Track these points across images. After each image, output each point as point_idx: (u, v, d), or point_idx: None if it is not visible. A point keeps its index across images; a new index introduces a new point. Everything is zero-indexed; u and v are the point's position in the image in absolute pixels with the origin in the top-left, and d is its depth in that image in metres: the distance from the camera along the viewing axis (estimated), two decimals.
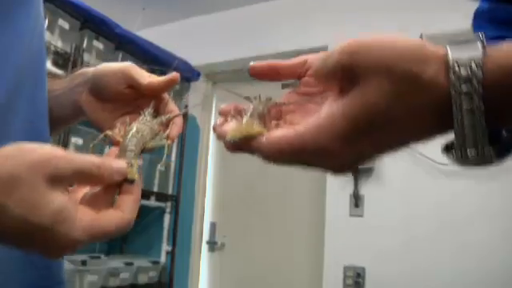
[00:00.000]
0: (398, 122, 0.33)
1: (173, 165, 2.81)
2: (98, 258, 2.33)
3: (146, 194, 2.57)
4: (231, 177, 2.93)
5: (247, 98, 0.46)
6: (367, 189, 2.31)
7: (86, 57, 2.25)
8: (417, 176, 2.17)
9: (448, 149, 0.34)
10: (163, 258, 2.78)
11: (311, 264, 2.51)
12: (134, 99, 0.58)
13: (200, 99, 2.85)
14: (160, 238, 2.81)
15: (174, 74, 0.56)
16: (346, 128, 0.33)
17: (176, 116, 0.56)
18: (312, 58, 0.48)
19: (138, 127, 0.50)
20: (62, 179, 0.38)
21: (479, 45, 0.32)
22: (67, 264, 2.09)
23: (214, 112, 3.01)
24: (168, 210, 2.80)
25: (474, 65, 0.31)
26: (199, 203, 2.92)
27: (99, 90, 0.58)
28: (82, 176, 0.40)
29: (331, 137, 0.33)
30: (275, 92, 0.49)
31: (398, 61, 0.31)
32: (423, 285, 2.06)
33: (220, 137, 0.43)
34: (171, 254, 2.80)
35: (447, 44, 0.33)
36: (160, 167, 2.49)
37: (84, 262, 2.19)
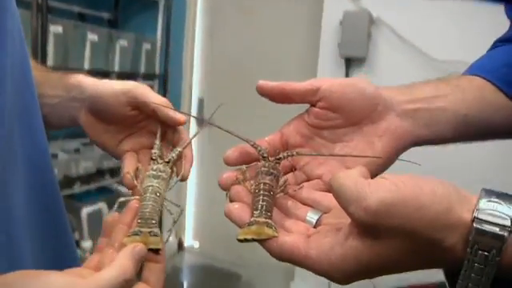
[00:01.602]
0: (407, 266, 0.35)
1: (159, 43, 2.69)
2: (91, 144, 2.39)
3: (132, 76, 2.51)
4: (219, 53, 2.84)
5: (251, 144, 0.47)
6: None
7: None
8: (410, 69, 2.13)
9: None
10: None
11: None
12: (140, 121, 0.55)
13: None
14: None
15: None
16: (357, 271, 0.35)
17: (187, 146, 0.54)
18: (325, 87, 0.47)
19: (155, 186, 0.49)
20: None
21: (505, 233, 0.31)
22: (62, 154, 2.15)
23: None
24: (156, 88, 2.78)
25: (492, 252, 0.31)
26: (187, 81, 2.88)
27: (99, 112, 0.54)
28: None
29: (340, 273, 0.35)
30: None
31: (421, 228, 0.31)
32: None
33: (224, 188, 0.46)
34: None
35: (478, 207, 0.31)
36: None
37: (77, 150, 2.26)
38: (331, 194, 0.44)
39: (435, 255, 0.33)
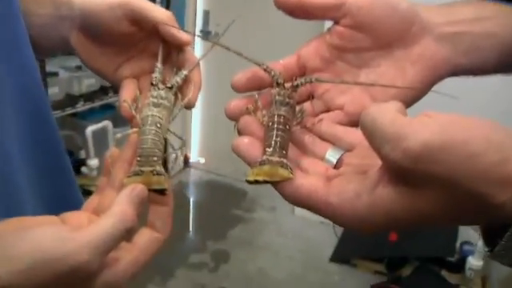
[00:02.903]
0: (442, 221, 0.31)
1: None
2: None
3: None
4: None
5: (263, 68, 0.41)
6: None
7: None
8: None
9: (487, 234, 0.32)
10: None
11: None
12: (139, 40, 0.48)
13: None
14: None
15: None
16: (385, 223, 0.31)
17: (194, 68, 0.47)
18: (352, 1, 0.40)
19: (155, 116, 0.43)
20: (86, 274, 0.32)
21: None
22: (63, 72, 2.10)
23: None
24: (158, 0, 2.64)
25: None
26: None
27: (92, 29, 0.47)
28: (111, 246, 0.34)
29: (365, 224, 0.32)
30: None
31: (469, 180, 0.26)
32: None
33: (232, 118, 0.41)
34: None
35: None
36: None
37: (79, 67, 2.19)
38: (354, 129, 0.39)
39: (479, 212, 0.28)
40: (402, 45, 0.41)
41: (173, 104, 0.45)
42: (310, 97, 0.44)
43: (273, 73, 0.40)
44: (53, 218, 0.36)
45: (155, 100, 0.44)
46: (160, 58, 0.47)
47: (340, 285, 2.14)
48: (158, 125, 0.42)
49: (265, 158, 0.35)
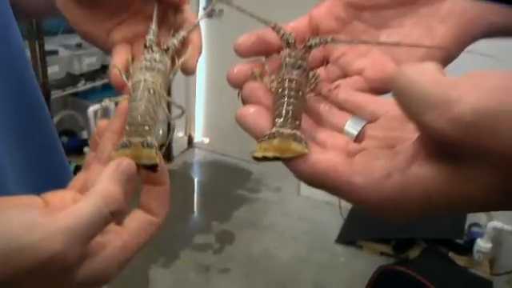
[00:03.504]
0: (491, 207, 0.26)
1: None
2: None
3: None
4: None
5: (271, 26, 0.36)
6: None
7: None
8: None
9: None
10: None
11: None
12: (132, 1, 0.44)
13: None
14: None
15: None
16: (420, 209, 0.26)
17: (193, 29, 0.42)
18: None
19: (148, 80, 0.38)
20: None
21: None
22: (63, 51, 2.05)
23: None
24: None
25: None
26: None
27: None
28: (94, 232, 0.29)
29: (397, 210, 0.27)
30: None
31: None
32: None
33: (235, 85, 0.36)
34: None
35: None
36: None
37: (79, 45, 2.15)
38: (377, 97, 0.34)
39: None
40: (427, 0, 0.36)
41: (169, 69, 0.40)
42: (324, 62, 0.39)
43: (282, 32, 0.36)
44: (33, 198, 0.31)
45: (148, 63, 0.39)
46: (155, 18, 0.42)
47: (346, 266, 2.12)
48: (151, 90, 0.37)
49: (275, 130, 0.31)
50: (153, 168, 0.35)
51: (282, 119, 0.31)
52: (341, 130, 0.33)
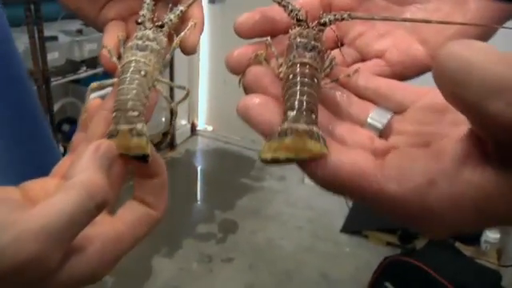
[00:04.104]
0: None
1: None
2: None
3: None
4: None
5: (277, 1, 0.31)
6: None
7: None
8: None
9: None
10: None
11: None
12: None
13: None
14: None
15: None
16: (473, 219, 0.21)
17: (193, 3, 0.38)
18: None
19: (139, 61, 0.33)
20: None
21: None
22: (63, 37, 2.00)
23: None
24: None
25: None
26: None
27: None
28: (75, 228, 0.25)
29: (443, 222, 0.22)
30: None
31: None
32: None
33: (236, 71, 0.32)
34: None
35: None
36: None
37: (80, 31, 2.10)
38: (403, 84, 0.29)
39: None
40: None
41: (164, 47, 0.36)
42: (339, 43, 0.34)
43: (291, 7, 0.31)
44: (7, 189, 0.27)
45: (140, 42, 0.35)
46: None
47: (351, 256, 2.09)
48: (143, 72, 0.33)
49: (286, 125, 0.25)
50: (144, 159, 0.31)
51: (294, 112, 0.26)
52: (362, 124, 0.28)
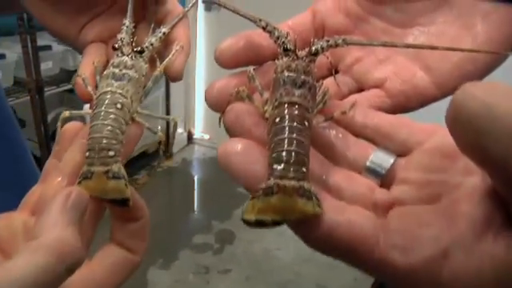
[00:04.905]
0: None
1: None
2: None
3: None
4: None
5: (261, 26, 0.28)
6: None
7: None
8: None
9: None
10: None
11: None
12: None
13: None
14: None
15: None
16: None
17: (178, 23, 0.35)
18: None
19: (115, 92, 0.30)
20: None
21: None
22: (56, 46, 1.98)
23: None
24: None
25: None
26: None
27: None
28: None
29: None
30: None
31: None
32: None
33: (216, 108, 0.28)
34: None
35: None
36: None
37: None
38: (406, 120, 0.26)
39: None
40: None
41: (145, 74, 0.33)
42: (333, 70, 0.31)
43: (277, 33, 0.27)
44: None
45: (116, 70, 0.32)
46: (129, 11, 0.35)
47: (349, 267, 2.04)
48: (119, 105, 0.30)
49: (273, 181, 0.22)
50: (124, 203, 0.28)
51: (282, 165, 0.22)
52: (361, 169, 0.25)
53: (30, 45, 1.72)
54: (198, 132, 3.12)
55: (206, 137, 3.11)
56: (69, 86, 2.07)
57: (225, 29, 2.63)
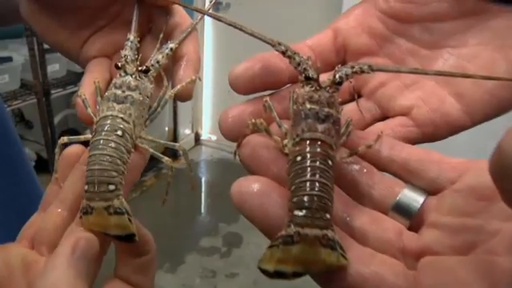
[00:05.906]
0: None
1: None
2: None
3: None
4: None
5: (281, 51, 0.25)
6: None
7: None
8: None
9: None
10: None
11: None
12: (110, 3, 0.35)
13: None
14: None
15: None
16: None
17: (186, 37, 0.33)
18: None
19: (116, 120, 0.28)
20: None
21: None
22: None
23: None
24: None
25: None
26: None
27: None
28: None
29: None
30: None
31: None
32: None
33: (232, 138, 0.26)
34: None
35: None
36: None
37: None
38: (437, 155, 0.23)
39: None
40: (500, 10, 0.26)
41: (150, 96, 0.31)
42: (356, 95, 0.28)
43: (298, 59, 0.24)
44: None
45: (119, 91, 0.29)
46: (134, 25, 0.32)
47: None
48: (119, 132, 0.28)
49: (294, 230, 0.20)
50: (130, 238, 0.26)
51: (304, 212, 0.20)
52: (387, 208, 0.23)
53: (36, 47, 1.72)
54: (206, 133, 3.10)
55: (214, 138, 3.09)
56: (75, 88, 2.06)
57: (232, 31, 2.61)
